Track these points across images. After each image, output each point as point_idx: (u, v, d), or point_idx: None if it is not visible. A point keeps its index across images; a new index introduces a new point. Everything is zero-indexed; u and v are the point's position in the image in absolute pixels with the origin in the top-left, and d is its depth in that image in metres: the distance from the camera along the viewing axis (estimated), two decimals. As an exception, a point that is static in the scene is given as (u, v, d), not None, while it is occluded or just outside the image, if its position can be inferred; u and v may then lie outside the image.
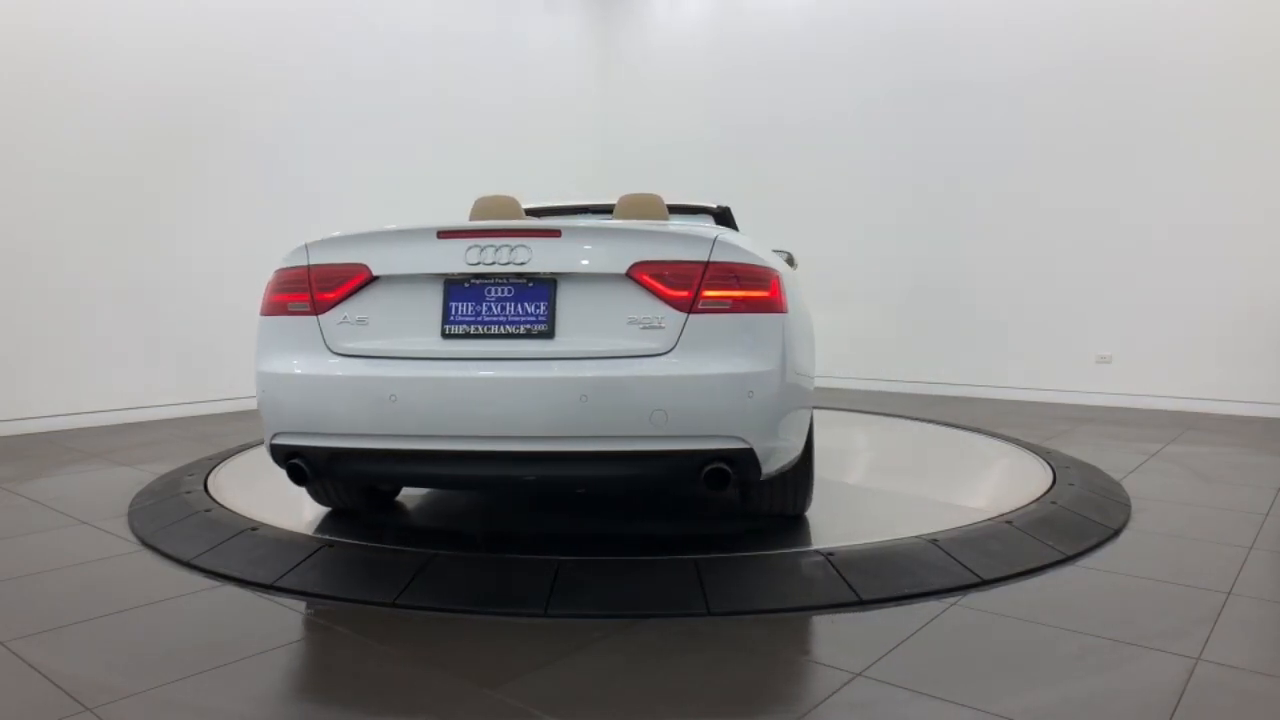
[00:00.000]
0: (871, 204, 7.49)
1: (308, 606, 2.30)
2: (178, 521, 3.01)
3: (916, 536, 2.69)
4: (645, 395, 2.21)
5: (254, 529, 2.85)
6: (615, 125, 9.07)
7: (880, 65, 7.42)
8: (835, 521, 3.08)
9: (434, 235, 2.38)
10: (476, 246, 2.34)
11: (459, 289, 2.36)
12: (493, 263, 2.32)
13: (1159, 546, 2.85)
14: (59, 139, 5.34)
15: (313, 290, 2.46)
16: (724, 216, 4.16)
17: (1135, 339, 6.32)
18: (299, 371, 2.39)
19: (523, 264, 2.31)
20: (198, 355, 5.88)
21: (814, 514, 3.13)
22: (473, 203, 3.29)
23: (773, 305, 2.33)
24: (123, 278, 5.57)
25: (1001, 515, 2.94)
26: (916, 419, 5.50)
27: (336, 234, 2.51)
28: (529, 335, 2.31)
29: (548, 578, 2.37)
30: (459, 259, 2.34)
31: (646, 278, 2.28)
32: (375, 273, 2.40)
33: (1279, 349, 5.79)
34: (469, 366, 2.29)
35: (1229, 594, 2.37)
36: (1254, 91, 5.79)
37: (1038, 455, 4.11)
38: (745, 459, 2.27)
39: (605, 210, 4.33)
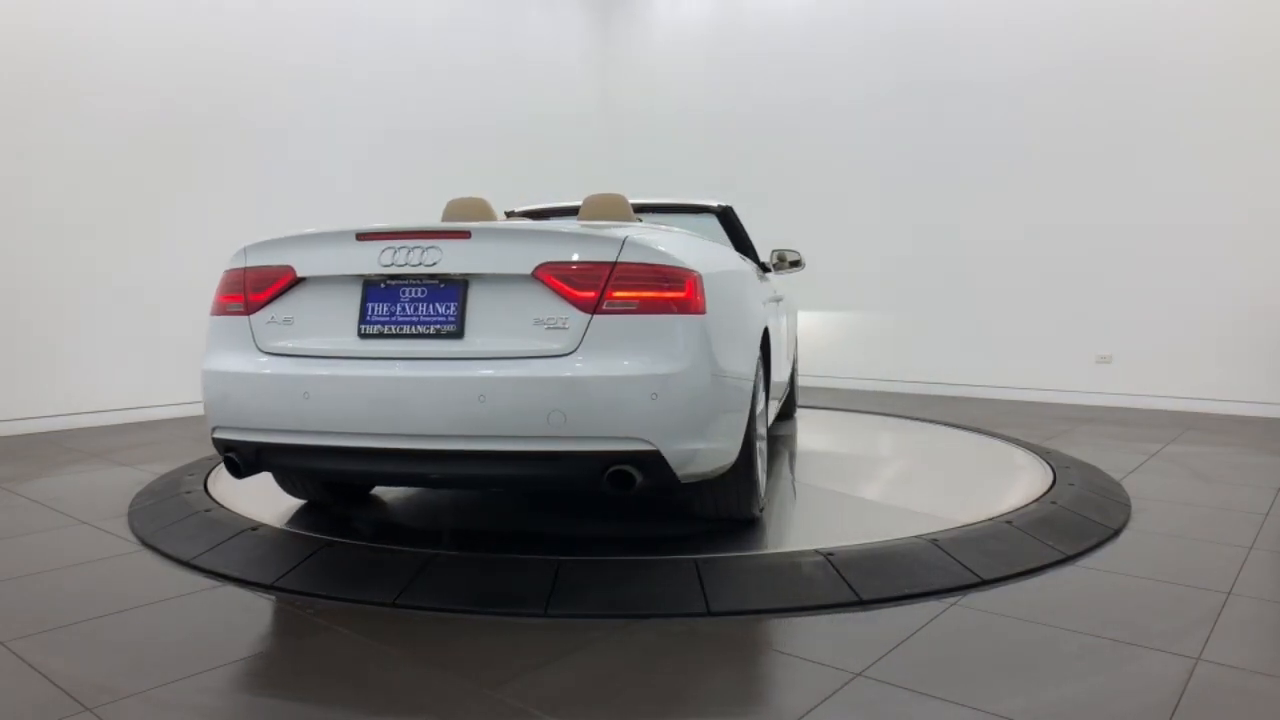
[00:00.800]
0: (872, 203, 7.49)
1: (308, 606, 2.30)
2: (178, 521, 3.01)
3: (916, 536, 2.69)
4: (542, 396, 2.21)
5: (254, 529, 2.85)
6: (616, 124, 9.07)
7: (881, 64, 7.42)
8: (835, 521, 3.09)
9: (353, 238, 2.43)
10: (391, 248, 2.39)
11: (376, 290, 2.41)
12: (405, 264, 2.36)
13: (1159, 546, 2.85)
14: (59, 139, 5.34)
15: (246, 291, 2.56)
16: (726, 215, 4.16)
17: (1135, 339, 6.32)
18: (232, 369, 2.49)
19: (433, 265, 2.35)
20: (198, 355, 5.84)
21: (814, 514, 3.13)
22: (585, 199, 3.30)
23: (686, 306, 2.29)
24: (123, 278, 5.56)
25: (1001, 515, 2.94)
26: (916, 419, 5.50)
27: (268, 237, 2.58)
28: (439, 335, 2.34)
29: (548, 578, 2.37)
30: (374, 261, 2.39)
31: (552, 279, 2.28)
32: (300, 274, 2.48)
33: (1279, 349, 5.79)
34: (380, 366, 2.33)
35: (1229, 594, 2.37)
36: (1253, 91, 5.79)
37: (1038, 455, 4.11)
38: (652, 462, 2.24)
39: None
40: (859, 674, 1.87)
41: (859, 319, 7.51)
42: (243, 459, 2.52)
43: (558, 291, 2.28)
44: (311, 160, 6.58)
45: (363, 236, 2.42)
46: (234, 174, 6.15)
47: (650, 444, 2.22)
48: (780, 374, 3.90)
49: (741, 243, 4.25)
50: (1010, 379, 6.84)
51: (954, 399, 6.78)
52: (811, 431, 4.97)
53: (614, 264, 2.28)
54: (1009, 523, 2.86)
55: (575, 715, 1.71)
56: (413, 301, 2.38)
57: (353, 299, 2.43)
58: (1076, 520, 2.98)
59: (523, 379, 2.22)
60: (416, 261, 2.36)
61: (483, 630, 2.16)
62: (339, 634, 2.12)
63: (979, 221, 6.96)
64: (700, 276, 2.35)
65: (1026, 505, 3.09)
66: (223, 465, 3.84)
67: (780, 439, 4.70)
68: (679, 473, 2.32)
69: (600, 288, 2.26)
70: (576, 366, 2.22)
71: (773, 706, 1.73)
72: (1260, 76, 5.76)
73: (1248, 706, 1.74)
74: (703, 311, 2.32)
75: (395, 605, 2.28)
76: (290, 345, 2.47)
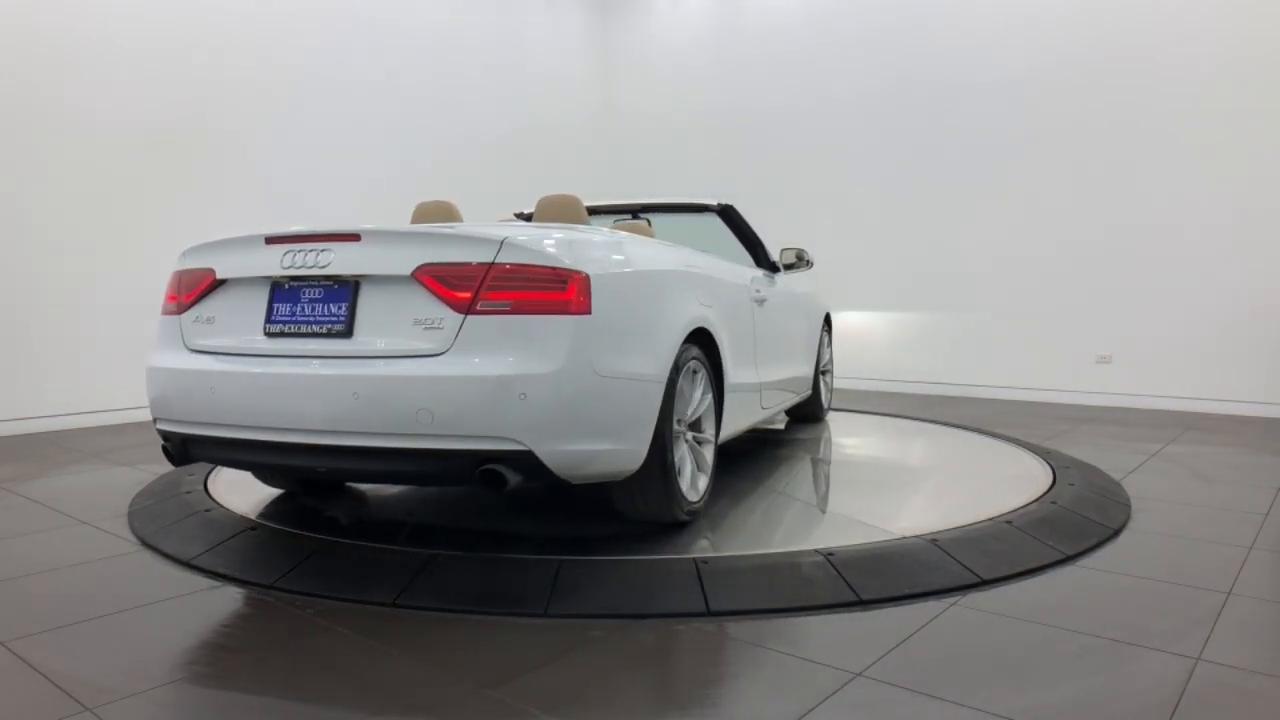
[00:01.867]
0: (871, 202, 7.49)
1: (308, 606, 2.30)
2: (178, 521, 3.01)
3: (916, 536, 2.69)
4: (410, 395, 2.25)
5: (254, 529, 2.85)
6: (617, 123, 9.07)
7: (881, 63, 7.42)
8: (835, 521, 3.09)
9: (263, 241, 2.56)
10: (292, 251, 2.49)
11: (281, 291, 2.53)
12: (302, 266, 2.46)
13: (1159, 546, 2.85)
14: (59, 141, 5.34)
15: (180, 292, 2.75)
16: (727, 214, 4.16)
17: (1135, 339, 6.32)
18: (164, 365, 2.67)
19: (325, 267, 2.44)
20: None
21: (814, 513, 3.13)
22: (539, 200, 3.34)
23: (566, 307, 2.30)
24: (123, 278, 5.56)
25: (1001, 515, 2.94)
26: (916, 419, 5.50)
27: (198, 242, 2.75)
28: (329, 335, 2.43)
29: (548, 578, 2.37)
30: (278, 263, 2.51)
31: (430, 280, 2.33)
32: (219, 276, 2.64)
33: (1279, 349, 5.79)
34: (279, 363, 2.44)
35: (1229, 594, 2.37)
36: (1253, 92, 5.79)
37: (1038, 455, 4.11)
38: (525, 461, 2.26)
39: (628, 211, 4.36)
40: (859, 674, 1.87)
41: (859, 319, 7.51)
42: (174, 448, 2.69)
43: (434, 292, 2.32)
44: (311, 162, 6.57)
45: (270, 240, 2.54)
46: (233, 177, 6.15)
47: (521, 444, 2.24)
48: (769, 374, 3.82)
49: (748, 241, 4.27)
50: (1010, 379, 6.84)
51: (954, 399, 6.78)
52: (811, 431, 4.97)
53: (490, 265, 2.31)
54: (1009, 523, 2.86)
55: (575, 715, 1.71)
56: (310, 302, 2.48)
57: (261, 300, 2.55)
58: (1076, 520, 2.98)
59: (392, 377, 2.28)
60: (312, 264, 2.46)
61: (483, 630, 2.16)
62: (339, 634, 2.12)
63: (979, 221, 6.96)
64: (588, 277, 2.35)
65: (1026, 505, 3.09)
66: (222, 465, 3.89)
67: (797, 441, 4.70)
68: (562, 474, 2.33)
69: (475, 289, 2.29)
70: (445, 366, 2.26)
71: (773, 706, 1.73)
72: (1260, 77, 5.76)
73: (1248, 706, 1.74)
74: (587, 312, 2.32)
75: (395, 605, 2.28)
76: (211, 343, 2.62)
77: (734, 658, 1.98)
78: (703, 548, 2.64)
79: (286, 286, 2.52)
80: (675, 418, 2.74)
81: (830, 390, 5.43)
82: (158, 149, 5.76)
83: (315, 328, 2.45)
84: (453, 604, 2.28)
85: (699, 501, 2.89)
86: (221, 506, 3.14)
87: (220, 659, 1.97)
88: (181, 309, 2.73)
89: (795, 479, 3.71)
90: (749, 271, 3.98)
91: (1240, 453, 4.55)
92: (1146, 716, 1.68)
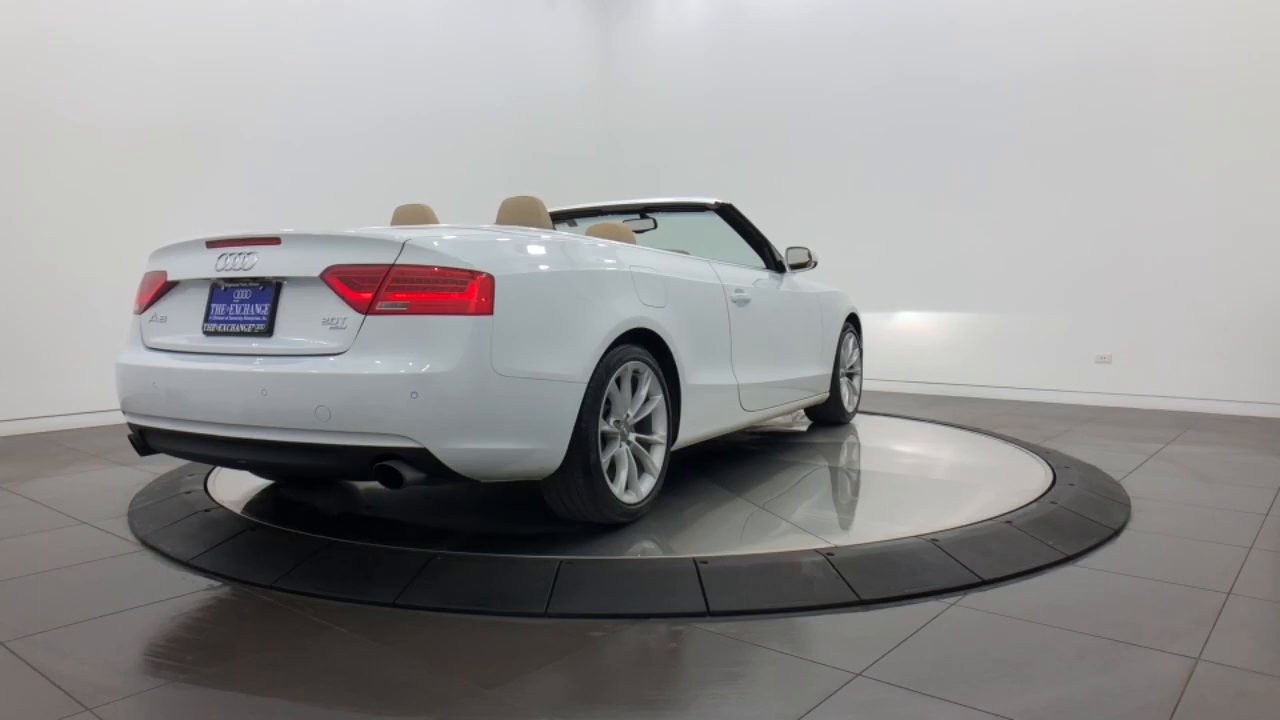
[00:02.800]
0: (870, 201, 7.49)
1: (308, 606, 2.30)
2: (178, 521, 3.01)
3: (916, 536, 2.69)
4: (310, 392, 2.34)
5: (254, 529, 2.85)
6: (617, 124, 9.07)
7: (880, 62, 7.42)
8: (835, 521, 3.09)
9: (204, 245, 2.70)
10: (225, 254, 2.63)
11: (218, 292, 2.67)
12: (232, 269, 2.60)
13: (1159, 546, 2.85)
14: (59, 141, 5.34)
15: (141, 293, 2.92)
16: (726, 212, 4.14)
17: (1135, 339, 6.32)
18: (124, 361, 2.83)
19: (249, 269, 2.56)
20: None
21: (814, 513, 3.12)
22: (501, 202, 3.35)
23: (464, 307, 2.34)
24: (123, 278, 5.55)
25: (1001, 515, 2.94)
26: (916, 419, 5.51)
27: (159, 246, 2.87)
28: (252, 334, 2.54)
29: (548, 578, 2.37)
30: (214, 266, 2.65)
31: (335, 281, 2.41)
32: (171, 278, 2.78)
33: (1279, 349, 5.79)
34: (209, 360, 2.58)
35: (1229, 594, 2.37)
36: (1253, 92, 5.79)
37: (1038, 455, 4.11)
38: (422, 458, 2.31)
39: (624, 211, 4.36)
40: (859, 674, 1.87)
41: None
42: (135, 440, 2.85)
43: (339, 293, 2.41)
44: (310, 163, 6.58)
45: (210, 244, 2.68)
46: (233, 175, 6.15)
47: (415, 441, 2.29)
48: (755, 376, 3.76)
49: (751, 239, 4.25)
50: (1010, 379, 6.84)
51: (953, 399, 6.78)
52: (810, 432, 4.97)
53: (391, 266, 2.37)
54: (1009, 523, 2.86)
55: (575, 715, 1.71)
56: (240, 302, 2.60)
57: (203, 300, 2.69)
58: (1076, 520, 2.98)
59: (295, 375, 2.38)
60: (240, 266, 2.59)
61: (483, 630, 2.16)
62: (339, 634, 2.12)
63: (979, 221, 6.96)
64: (491, 278, 2.39)
65: (1026, 505, 3.09)
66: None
67: (804, 445, 4.70)
68: (464, 472, 2.39)
69: (375, 289, 2.36)
70: (342, 365, 2.33)
71: (773, 706, 1.73)
72: (1261, 78, 5.76)
73: (1248, 706, 1.74)
74: (488, 312, 2.36)
75: (395, 605, 2.28)
76: (162, 341, 2.77)
77: (734, 658, 1.97)
78: (703, 548, 2.63)
79: (222, 288, 2.66)
80: (613, 418, 2.81)
81: (858, 394, 5.32)
82: (158, 149, 5.76)
83: (242, 327, 2.56)
84: (453, 604, 2.28)
85: (640, 503, 2.90)
86: (221, 506, 3.14)
87: (220, 659, 1.97)
88: (142, 309, 2.89)
89: (797, 479, 3.71)
90: (747, 273, 3.96)
91: (1240, 453, 4.55)
92: (1146, 716, 1.68)
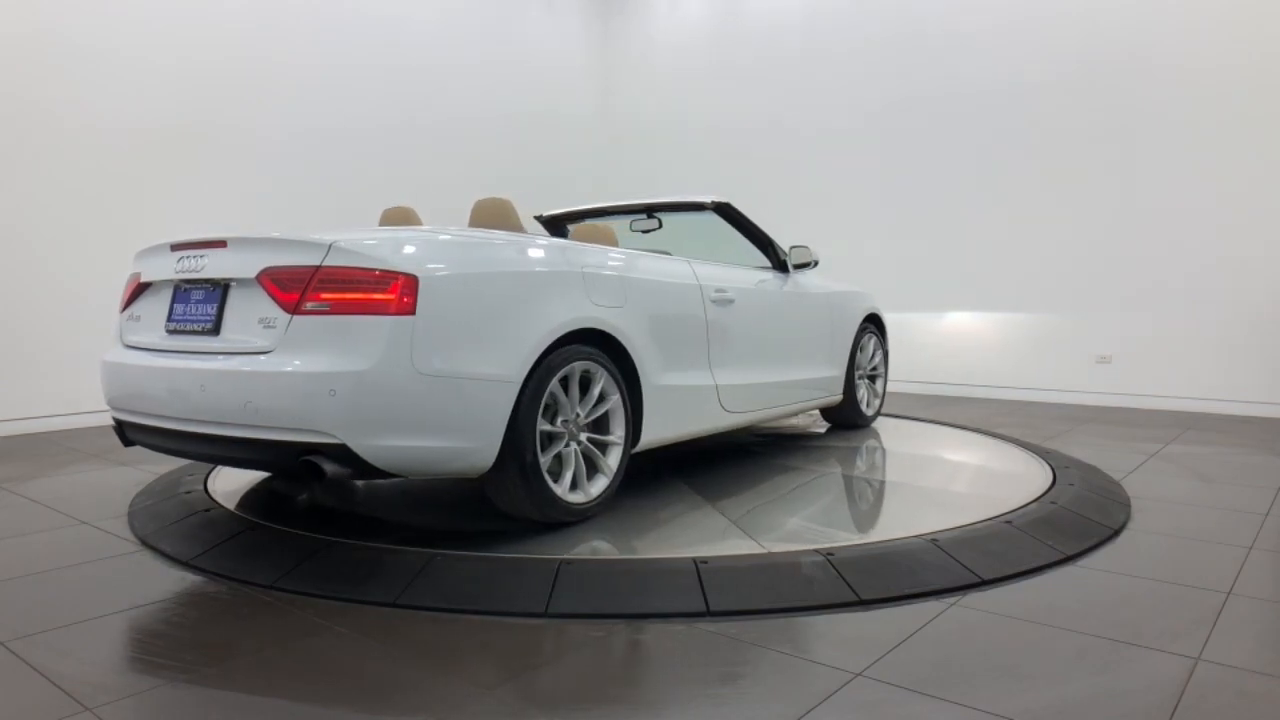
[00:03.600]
0: (870, 202, 7.49)
1: (308, 606, 2.30)
2: (178, 521, 3.01)
3: (916, 536, 2.69)
4: (239, 388, 2.45)
5: (254, 529, 2.85)
6: (617, 124, 9.07)
7: (879, 64, 7.42)
8: (835, 521, 3.09)
9: (169, 248, 2.82)
10: (184, 257, 2.76)
11: (179, 293, 2.79)
12: (188, 271, 2.72)
13: (1159, 546, 2.85)
14: (60, 142, 5.34)
15: (124, 293, 3.05)
16: (724, 211, 4.11)
17: (1135, 339, 6.32)
18: (106, 358, 2.96)
19: (200, 271, 2.69)
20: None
21: (814, 513, 3.12)
22: (474, 204, 3.39)
23: (385, 307, 2.39)
24: (122, 278, 5.56)
25: (1001, 515, 2.94)
26: (916, 419, 5.50)
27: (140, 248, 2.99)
28: (202, 333, 2.66)
29: (548, 578, 2.37)
30: (173, 267, 2.77)
31: (269, 282, 2.51)
32: (144, 279, 2.92)
33: (1279, 349, 5.80)
34: (167, 358, 2.70)
35: (1229, 594, 2.37)
36: (1254, 93, 5.79)
37: (1038, 455, 4.11)
38: (342, 454, 2.37)
39: (622, 212, 4.36)
40: (859, 674, 1.87)
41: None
42: (117, 431, 2.97)
43: (271, 294, 2.50)
44: (310, 163, 6.57)
45: (174, 247, 2.80)
46: (233, 176, 6.15)
47: (335, 438, 2.35)
48: (740, 377, 3.71)
49: (753, 238, 4.21)
50: (1010, 379, 6.84)
51: (954, 399, 6.78)
52: (822, 435, 4.97)
53: (317, 268, 2.45)
54: (1009, 523, 2.86)
55: (574, 715, 1.71)
56: (195, 303, 2.72)
57: (167, 301, 2.82)
58: (1076, 520, 2.98)
59: (227, 372, 2.49)
60: (194, 268, 2.71)
61: (483, 630, 2.16)
62: (339, 634, 2.12)
63: (979, 222, 6.96)
64: (415, 279, 2.42)
65: (1026, 505, 3.09)
66: (223, 466, 3.92)
67: (805, 448, 4.70)
68: (387, 468, 2.45)
69: (302, 290, 2.45)
70: (268, 363, 2.43)
71: (773, 706, 1.73)
72: (1260, 78, 5.76)
73: (1248, 706, 1.74)
74: (410, 312, 2.40)
75: (395, 605, 2.28)
76: (135, 339, 2.90)
77: (734, 658, 1.97)
78: (703, 548, 2.63)
79: (183, 289, 2.78)
80: (560, 418, 2.83)
81: (880, 396, 5.15)
82: (157, 149, 5.76)
83: (195, 326, 2.69)
84: (453, 604, 2.28)
85: (589, 503, 2.90)
86: (221, 506, 3.14)
87: (220, 659, 1.97)
88: (123, 308, 3.04)
89: (796, 479, 3.71)
90: (740, 273, 3.91)
91: (1240, 453, 4.55)
92: (1146, 716, 1.68)
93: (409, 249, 2.51)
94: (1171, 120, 6.10)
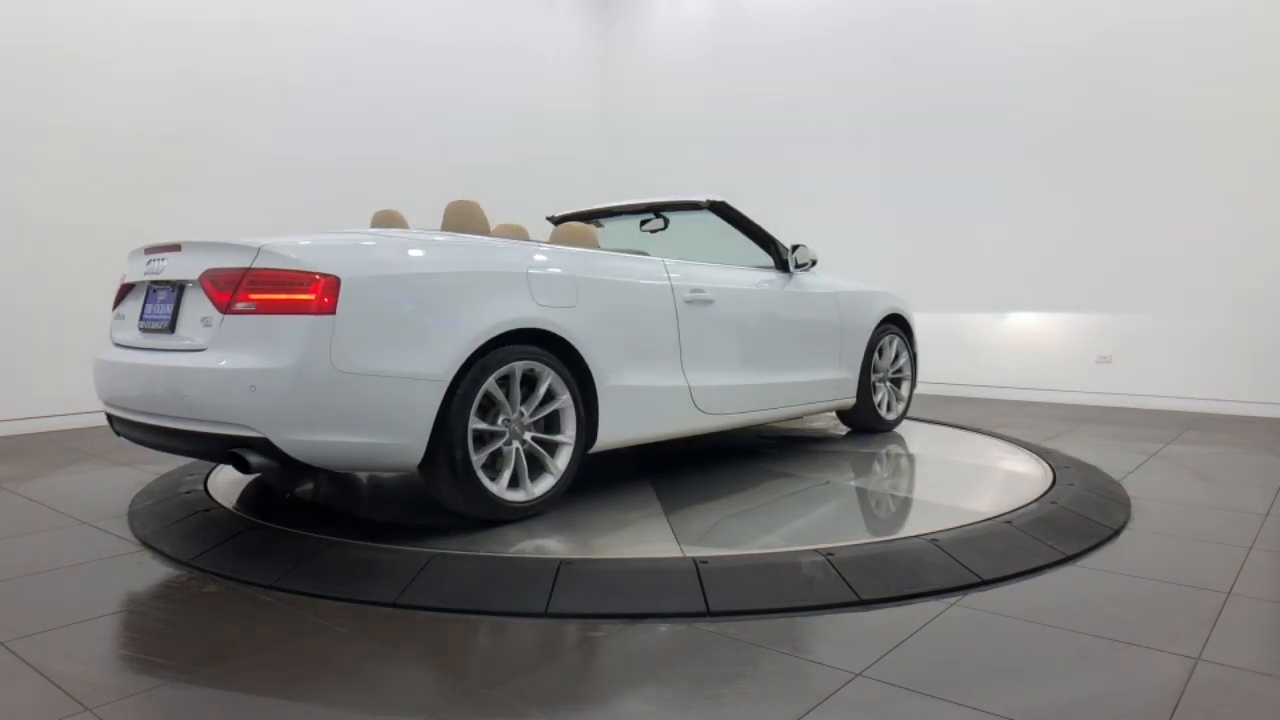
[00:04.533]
0: (870, 201, 7.49)
1: (308, 606, 2.30)
2: (178, 521, 3.02)
3: (916, 536, 2.69)
4: (175, 383, 2.61)
5: (254, 529, 2.85)
6: (617, 124, 9.07)
7: (880, 62, 7.42)
8: (835, 521, 3.09)
9: (144, 251, 2.99)
10: (151, 260, 2.93)
11: (150, 293, 2.93)
12: (153, 273, 2.89)
13: (1159, 546, 2.85)
14: (59, 142, 5.34)
15: (116, 294, 3.20)
16: (720, 209, 4.06)
17: (1135, 339, 6.32)
18: (97, 356, 3.09)
19: (160, 274, 2.85)
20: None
21: (814, 513, 3.12)
22: (446, 206, 3.49)
23: (306, 307, 2.49)
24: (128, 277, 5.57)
25: (1001, 515, 2.94)
26: (916, 419, 5.50)
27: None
28: (161, 331, 2.80)
29: (548, 578, 2.37)
30: (144, 269, 2.95)
31: (208, 283, 2.65)
32: (127, 281, 3.08)
33: (1279, 349, 5.79)
34: (136, 354, 2.86)
35: (1229, 594, 2.37)
36: (1254, 92, 5.79)
37: (1038, 455, 4.11)
38: (264, 448, 2.49)
39: (621, 213, 4.36)
40: (859, 674, 1.87)
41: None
42: (110, 424, 3.08)
43: (209, 294, 2.64)
44: (310, 165, 6.57)
45: (146, 251, 2.97)
46: (233, 178, 6.15)
47: (257, 431, 2.46)
48: (719, 379, 3.66)
49: (753, 235, 4.14)
50: (1010, 379, 6.84)
51: (954, 399, 6.78)
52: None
53: (247, 270, 2.58)
54: (1009, 523, 2.86)
55: (575, 715, 1.71)
56: (159, 303, 2.87)
57: (140, 301, 2.97)
58: (1076, 520, 2.98)
59: (166, 368, 2.66)
60: (156, 271, 2.88)
61: (483, 630, 2.16)
62: (339, 634, 2.12)
63: (979, 221, 6.96)
64: (337, 280, 2.52)
65: (1026, 505, 3.09)
66: (223, 466, 3.92)
67: (805, 454, 4.69)
68: (311, 461, 2.55)
69: (233, 291, 2.58)
70: (199, 360, 2.58)
71: (773, 706, 1.73)
72: (1261, 77, 5.76)
73: (1248, 706, 1.74)
74: (330, 312, 2.50)
75: (395, 605, 2.28)
76: (119, 337, 3.05)
77: (734, 658, 1.98)
78: (703, 548, 2.63)
79: (153, 290, 2.92)
80: (501, 417, 2.87)
81: (904, 400, 4.94)
82: (157, 151, 5.76)
83: (157, 325, 2.84)
84: (453, 604, 2.28)
85: (530, 502, 2.92)
86: (221, 506, 3.14)
87: (220, 659, 1.97)
88: (113, 308, 3.18)
89: (796, 481, 3.71)
90: (728, 272, 3.86)
91: (1240, 453, 4.55)
92: (1146, 716, 1.68)
93: (333, 252, 2.61)
94: (1172, 120, 6.09)
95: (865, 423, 4.76)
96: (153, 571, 2.64)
